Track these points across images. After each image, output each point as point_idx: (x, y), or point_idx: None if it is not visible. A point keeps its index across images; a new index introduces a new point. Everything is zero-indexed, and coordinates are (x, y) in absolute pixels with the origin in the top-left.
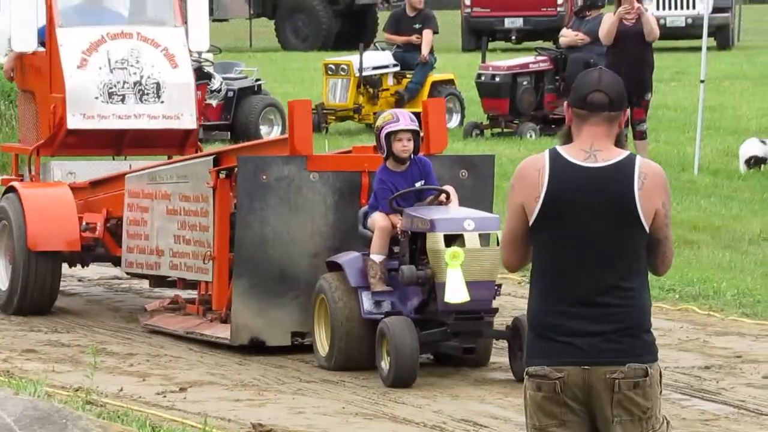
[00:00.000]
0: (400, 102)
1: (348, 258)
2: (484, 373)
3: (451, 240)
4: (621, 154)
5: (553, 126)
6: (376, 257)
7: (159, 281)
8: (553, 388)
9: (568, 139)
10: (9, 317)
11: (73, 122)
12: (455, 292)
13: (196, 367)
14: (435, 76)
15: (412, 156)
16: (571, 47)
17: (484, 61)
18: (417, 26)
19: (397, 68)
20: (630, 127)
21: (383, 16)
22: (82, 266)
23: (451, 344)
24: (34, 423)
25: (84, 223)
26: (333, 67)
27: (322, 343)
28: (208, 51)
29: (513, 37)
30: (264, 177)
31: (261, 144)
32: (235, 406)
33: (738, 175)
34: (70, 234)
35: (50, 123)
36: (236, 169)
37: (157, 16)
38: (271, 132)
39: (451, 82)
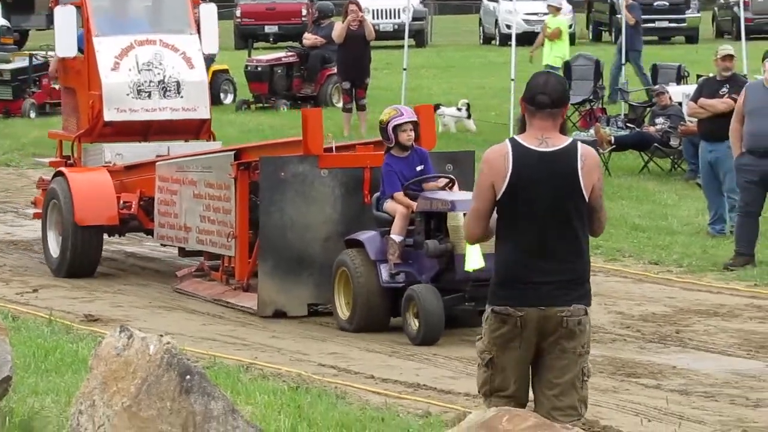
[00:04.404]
0: None
1: (367, 236)
2: None
3: None
4: (566, 141)
5: (298, 102)
6: (396, 237)
7: (186, 251)
8: (515, 323)
9: (523, 125)
10: None
11: (109, 115)
12: (475, 261)
13: (45, 276)
14: (215, 66)
15: (413, 145)
16: (312, 47)
17: (250, 56)
18: None
19: None
20: (354, 102)
21: None
22: (119, 236)
23: (465, 308)
24: None
25: (121, 201)
26: None
27: (342, 309)
28: (51, 49)
29: (271, 39)
30: (282, 174)
31: (277, 144)
32: (72, 302)
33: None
34: (110, 211)
35: (89, 115)
36: (253, 163)
37: (176, 25)
38: None
39: (226, 71)
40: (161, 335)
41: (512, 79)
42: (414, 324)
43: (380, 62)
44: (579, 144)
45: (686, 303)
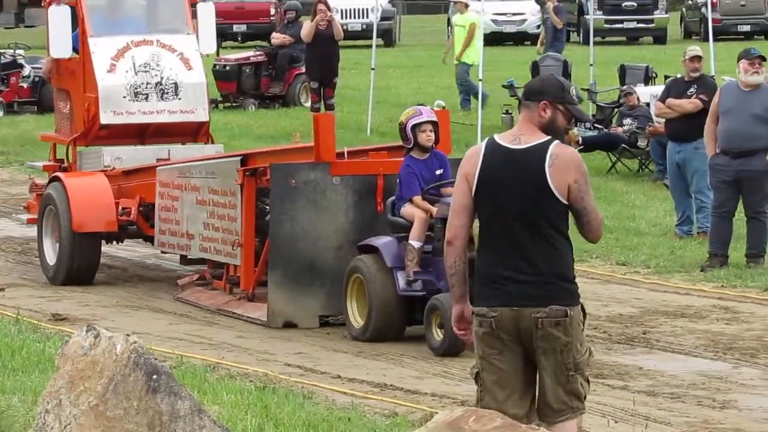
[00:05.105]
0: None
1: (383, 241)
2: None
3: None
4: (541, 139)
5: (267, 102)
6: (415, 243)
7: (188, 260)
8: (490, 324)
9: None
10: None
11: (105, 118)
12: None
13: (12, 274)
14: None
15: (433, 146)
16: (280, 46)
17: (218, 55)
18: None
19: None
20: (322, 102)
21: None
22: (118, 243)
23: None
24: None
25: (120, 207)
26: None
27: (356, 318)
28: (19, 48)
29: (239, 38)
30: (293, 182)
31: (286, 150)
32: (40, 302)
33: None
34: (109, 217)
35: (84, 118)
36: (260, 169)
37: (173, 25)
38: None
39: None
40: (128, 335)
41: (480, 80)
42: (438, 335)
43: (348, 62)
44: (554, 143)
45: (653, 304)
